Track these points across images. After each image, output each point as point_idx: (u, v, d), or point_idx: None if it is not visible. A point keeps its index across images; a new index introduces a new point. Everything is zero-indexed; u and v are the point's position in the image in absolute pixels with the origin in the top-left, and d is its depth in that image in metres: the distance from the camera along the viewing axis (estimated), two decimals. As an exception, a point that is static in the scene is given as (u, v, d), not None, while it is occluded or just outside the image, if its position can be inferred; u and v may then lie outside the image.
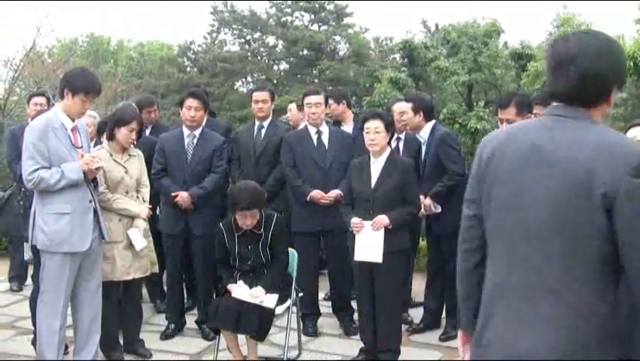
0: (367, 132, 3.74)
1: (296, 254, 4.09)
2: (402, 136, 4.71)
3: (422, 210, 4.23)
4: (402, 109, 4.74)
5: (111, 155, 3.95)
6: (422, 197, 4.21)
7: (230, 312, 3.64)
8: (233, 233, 3.86)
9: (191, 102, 4.40)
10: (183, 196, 4.33)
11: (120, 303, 4.07)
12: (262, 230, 3.83)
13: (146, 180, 4.12)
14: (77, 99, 3.45)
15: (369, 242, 3.66)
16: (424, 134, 4.47)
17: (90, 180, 3.54)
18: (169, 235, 4.45)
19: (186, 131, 4.48)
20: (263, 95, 4.87)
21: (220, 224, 3.93)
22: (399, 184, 3.73)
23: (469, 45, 18.92)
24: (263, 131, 4.91)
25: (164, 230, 4.47)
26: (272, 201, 4.54)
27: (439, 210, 4.30)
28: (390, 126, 3.77)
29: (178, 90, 22.69)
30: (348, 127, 5.06)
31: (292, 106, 5.96)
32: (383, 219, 3.67)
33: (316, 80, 25.09)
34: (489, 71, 18.81)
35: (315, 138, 4.62)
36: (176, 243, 4.45)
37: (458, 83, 18.38)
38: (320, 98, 4.61)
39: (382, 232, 3.65)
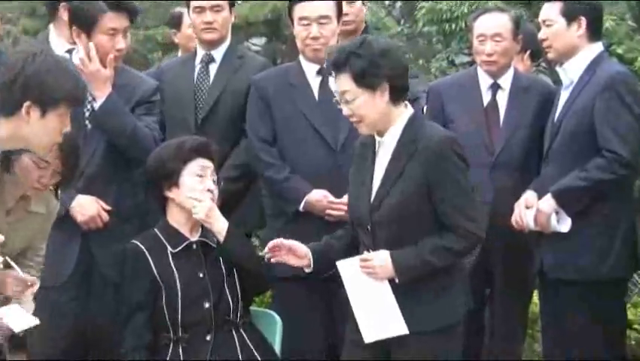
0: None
1: (278, 320, 4.08)
2: (503, 82, 4.63)
3: (529, 224, 4.20)
4: (498, 27, 4.65)
5: None
6: (533, 196, 4.22)
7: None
8: (164, 249, 3.94)
9: (113, 21, 4.38)
10: (83, 204, 4.36)
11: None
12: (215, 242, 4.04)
13: (41, 250, 4.00)
14: None
15: (372, 305, 3.64)
16: (574, 69, 4.31)
17: None
18: (51, 288, 4.24)
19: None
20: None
21: (136, 241, 3.98)
22: (419, 188, 3.54)
23: None
24: (214, 69, 4.86)
25: (42, 284, 4.09)
26: (232, 210, 4.42)
27: (566, 227, 4.17)
28: (381, 78, 3.54)
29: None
30: None
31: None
32: (381, 263, 3.56)
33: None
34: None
35: (316, 85, 4.48)
36: (65, 298, 4.39)
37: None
38: (328, 7, 4.45)
39: (386, 285, 3.58)
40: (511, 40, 4.68)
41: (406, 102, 3.67)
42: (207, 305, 3.88)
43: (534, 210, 4.19)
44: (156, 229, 4.00)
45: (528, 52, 5.17)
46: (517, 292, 4.67)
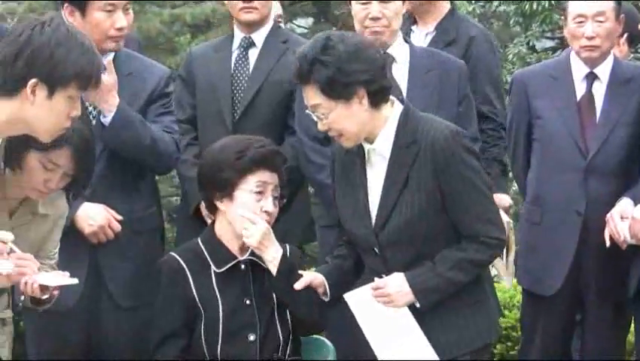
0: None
1: (331, 347, 4.09)
2: (600, 71, 4.51)
3: (626, 237, 4.14)
4: (601, 5, 4.56)
5: None
6: (630, 205, 4.21)
7: None
8: (207, 267, 3.95)
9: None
10: (91, 213, 4.31)
11: None
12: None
13: (53, 253, 3.98)
14: None
15: (394, 338, 3.66)
16: None
17: None
18: (55, 314, 4.04)
19: None
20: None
21: (175, 254, 4.01)
22: (431, 196, 3.54)
23: None
24: (254, 55, 4.90)
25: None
26: (276, 221, 4.23)
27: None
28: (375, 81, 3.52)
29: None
30: (425, 28, 5.23)
31: None
32: (398, 289, 3.58)
33: None
34: None
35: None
36: (70, 327, 4.30)
37: None
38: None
39: (406, 313, 3.60)
40: (614, 21, 4.56)
41: (393, 99, 3.61)
42: (252, 338, 3.84)
43: (631, 220, 4.11)
44: (200, 241, 3.95)
45: (625, 35, 5.04)
46: (613, 318, 4.57)
